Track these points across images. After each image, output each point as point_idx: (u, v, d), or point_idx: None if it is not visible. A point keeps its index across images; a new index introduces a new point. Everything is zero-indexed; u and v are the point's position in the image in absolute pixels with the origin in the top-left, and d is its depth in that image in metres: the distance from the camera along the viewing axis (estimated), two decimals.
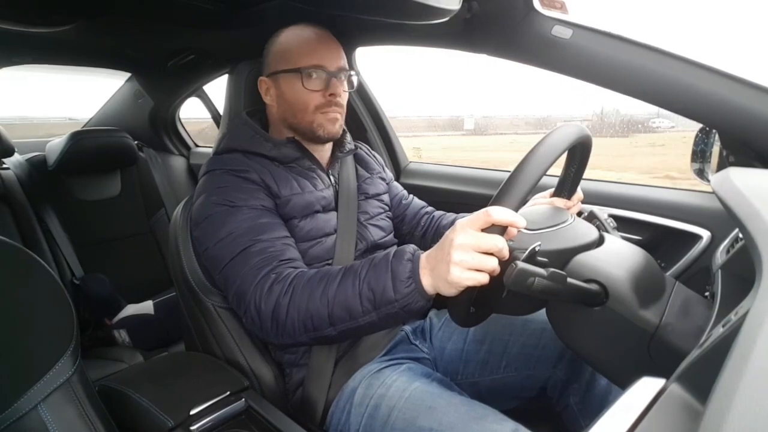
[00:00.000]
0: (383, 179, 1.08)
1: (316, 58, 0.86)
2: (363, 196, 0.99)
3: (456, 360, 0.94)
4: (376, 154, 1.13)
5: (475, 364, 0.93)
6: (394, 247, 0.71)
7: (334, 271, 0.71)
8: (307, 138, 0.91)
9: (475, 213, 0.58)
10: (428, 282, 0.63)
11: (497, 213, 0.57)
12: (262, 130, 0.91)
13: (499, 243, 0.56)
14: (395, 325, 0.71)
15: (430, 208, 1.13)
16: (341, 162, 0.99)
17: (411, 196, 1.15)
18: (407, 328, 0.96)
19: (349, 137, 1.01)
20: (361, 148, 1.08)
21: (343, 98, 0.90)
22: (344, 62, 0.90)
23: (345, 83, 0.90)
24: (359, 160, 1.06)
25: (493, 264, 0.57)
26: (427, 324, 1.02)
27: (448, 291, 0.60)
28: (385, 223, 1.01)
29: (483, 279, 0.57)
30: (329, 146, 0.97)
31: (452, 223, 1.05)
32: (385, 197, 1.06)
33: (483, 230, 0.58)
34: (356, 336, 0.78)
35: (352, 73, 0.91)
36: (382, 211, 1.03)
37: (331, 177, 0.96)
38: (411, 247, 0.67)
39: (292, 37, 0.89)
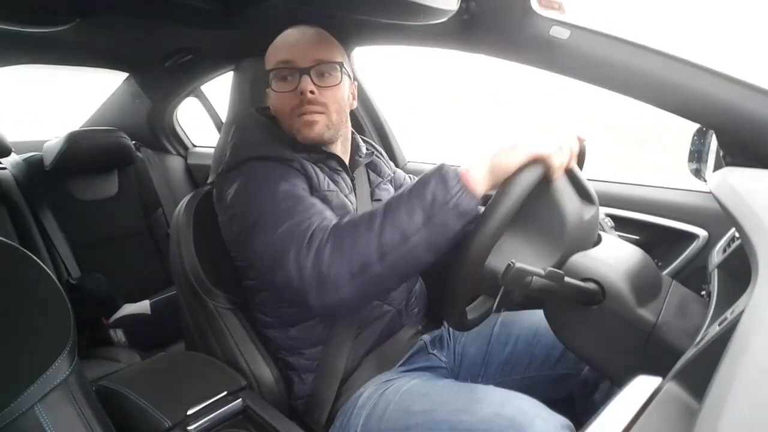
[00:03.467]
0: (393, 183, 1.04)
1: (283, 54, 0.78)
2: (377, 203, 0.95)
3: (479, 363, 0.93)
4: (386, 157, 1.08)
5: (497, 365, 0.91)
6: None
7: (378, 207, 0.67)
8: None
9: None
10: (477, 174, 0.64)
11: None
12: (283, 134, 0.84)
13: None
14: (446, 241, 0.65)
15: None
16: (357, 167, 0.94)
17: None
18: (426, 337, 0.95)
19: (359, 139, 0.97)
20: (374, 152, 1.02)
21: (323, 96, 0.79)
22: (325, 55, 0.80)
23: (329, 78, 0.80)
24: (371, 166, 1.00)
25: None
26: (446, 332, 1.00)
27: (508, 163, 0.63)
28: None
29: (549, 150, 0.62)
30: (347, 149, 0.92)
31: None
32: None
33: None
34: (406, 272, 0.69)
35: (338, 63, 0.82)
36: None
37: (354, 181, 0.91)
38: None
39: (277, 38, 0.83)
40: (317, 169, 0.81)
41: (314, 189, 0.78)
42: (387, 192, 0.99)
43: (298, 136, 0.81)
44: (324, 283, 0.64)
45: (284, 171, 0.76)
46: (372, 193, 0.95)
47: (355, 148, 0.95)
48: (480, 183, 0.63)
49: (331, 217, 0.71)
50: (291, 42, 0.81)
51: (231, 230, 0.80)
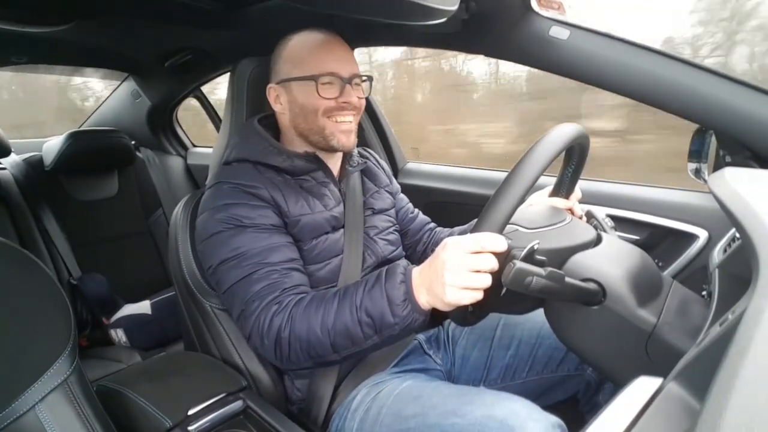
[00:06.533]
0: (390, 193, 1.05)
1: (329, 65, 0.83)
2: (370, 212, 0.96)
3: (480, 367, 0.92)
4: (384, 165, 1.09)
5: (499, 370, 0.91)
6: (388, 265, 0.71)
7: (329, 296, 0.71)
8: (320, 146, 0.87)
9: (468, 236, 0.59)
10: (425, 300, 0.64)
11: (490, 243, 0.57)
12: (275, 141, 0.87)
13: (490, 262, 0.57)
14: (399, 339, 0.72)
15: (432, 224, 1.11)
16: (348, 176, 0.96)
17: (416, 210, 1.12)
18: (421, 336, 0.95)
19: (356, 150, 0.98)
20: (369, 160, 1.04)
21: (359, 104, 0.87)
22: (357, 68, 0.87)
23: (360, 89, 0.88)
24: (367, 173, 1.01)
25: (486, 281, 0.58)
26: (444, 333, 1.00)
27: (447, 309, 0.62)
28: (393, 237, 0.99)
29: (479, 296, 0.59)
30: (339, 158, 0.94)
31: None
32: (392, 212, 1.03)
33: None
34: (362, 355, 0.79)
35: (366, 77, 0.89)
36: (391, 225, 1.00)
37: (342, 192, 0.92)
38: (401, 267, 0.68)
39: (305, 43, 0.85)
40: (295, 190, 0.84)
41: (284, 215, 0.81)
42: (381, 201, 1.00)
43: (333, 140, 0.85)
44: (286, 359, 0.72)
45: (249, 205, 0.79)
46: (365, 203, 0.95)
47: (347, 157, 0.95)
48: (427, 305, 0.65)
49: (293, 282, 0.75)
50: (334, 54, 0.85)
51: (203, 266, 0.85)
